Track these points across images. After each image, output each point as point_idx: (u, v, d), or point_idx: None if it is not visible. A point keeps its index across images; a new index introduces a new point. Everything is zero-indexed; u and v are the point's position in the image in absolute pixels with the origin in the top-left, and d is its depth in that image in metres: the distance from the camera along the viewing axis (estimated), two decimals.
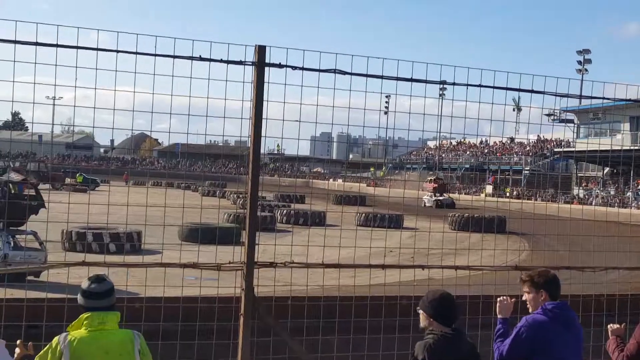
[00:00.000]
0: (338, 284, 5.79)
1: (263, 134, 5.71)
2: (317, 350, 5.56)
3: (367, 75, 6.03)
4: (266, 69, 5.67)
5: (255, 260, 5.54)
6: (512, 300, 5.16)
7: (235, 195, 48.75)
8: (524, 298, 5.08)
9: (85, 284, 4.00)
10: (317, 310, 5.76)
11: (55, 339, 3.87)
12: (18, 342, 4.07)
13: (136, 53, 5.44)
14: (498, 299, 5.18)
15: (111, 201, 5.53)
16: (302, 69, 5.77)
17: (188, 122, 5.95)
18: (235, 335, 5.39)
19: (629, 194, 58.57)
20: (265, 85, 5.67)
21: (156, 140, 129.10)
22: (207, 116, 5.96)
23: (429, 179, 65.73)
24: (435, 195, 57.49)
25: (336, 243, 6.09)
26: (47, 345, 3.86)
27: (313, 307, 5.80)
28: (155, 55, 5.49)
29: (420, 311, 4.51)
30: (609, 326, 5.25)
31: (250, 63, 5.65)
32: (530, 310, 5.00)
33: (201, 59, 5.54)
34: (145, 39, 5.48)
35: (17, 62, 5.35)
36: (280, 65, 5.70)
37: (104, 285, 4.02)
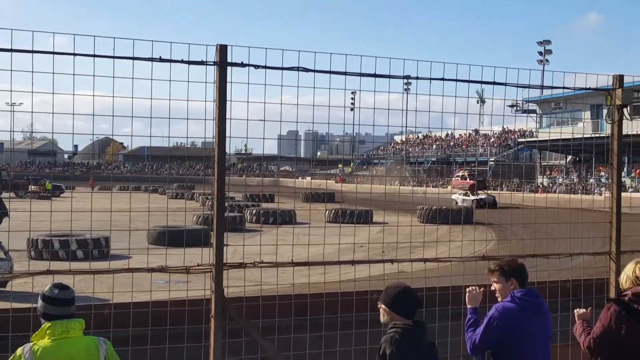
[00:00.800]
0: (308, 281, 5.81)
1: (228, 134, 5.67)
2: (290, 348, 5.56)
3: (330, 72, 6.03)
4: (228, 68, 5.63)
5: (224, 261, 5.52)
6: (481, 289, 5.22)
7: (203, 197, 48.53)
8: (492, 287, 5.15)
9: (48, 291, 3.92)
10: (288, 308, 5.76)
11: (19, 349, 3.80)
12: None
13: (94, 56, 5.35)
14: (467, 289, 5.23)
15: (77, 207, 5.47)
16: (265, 67, 5.75)
17: (150, 124, 5.88)
18: (207, 338, 5.36)
19: (592, 180, 59.55)
20: (229, 85, 5.63)
21: (121, 144, 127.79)
22: (169, 118, 5.90)
23: (460, 174, 59.76)
24: (472, 194, 50.03)
25: (306, 241, 6.10)
26: (11, 357, 3.80)
27: (284, 306, 5.80)
28: (114, 57, 5.42)
29: (382, 306, 4.55)
30: (575, 311, 5.33)
31: (212, 63, 5.60)
32: (499, 299, 5.07)
33: (161, 60, 5.47)
34: (104, 41, 5.41)
35: None
36: (242, 65, 5.67)
37: (69, 292, 3.96)
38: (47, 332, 3.82)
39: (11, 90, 5.51)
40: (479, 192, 50.65)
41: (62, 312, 3.87)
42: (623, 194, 6.54)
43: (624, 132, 6.56)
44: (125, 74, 5.61)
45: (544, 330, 5.03)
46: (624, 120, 6.45)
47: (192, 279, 5.82)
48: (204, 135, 5.89)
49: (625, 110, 6.36)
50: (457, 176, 59.45)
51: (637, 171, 55.87)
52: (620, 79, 6.34)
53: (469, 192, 51.23)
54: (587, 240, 6.89)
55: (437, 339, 5.71)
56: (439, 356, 4.61)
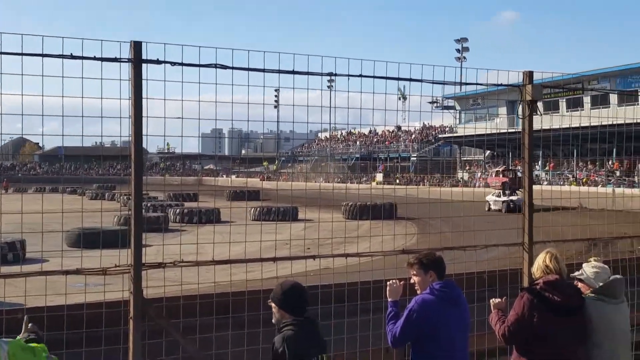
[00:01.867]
0: (230, 279, 5.77)
1: (145, 132, 5.57)
2: (212, 347, 5.52)
3: (248, 69, 6.00)
4: (144, 65, 5.53)
5: (143, 261, 5.43)
6: (401, 283, 5.31)
7: (125, 197, 47.58)
8: (412, 280, 5.24)
9: None
10: (210, 307, 5.72)
11: None
12: None
13: (1, 53, 5.16)
14: (387, 283, 5.31)
15: None
16: (182, 64, 5.67)
17: (62, 123, 5.72)
18: (126, 340, 5.26)
19: None
20: (145, 82, 5.54)
21: (37, 144, 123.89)
22: (82, 117, 5.74)
23: (496, 170, 51.74)
24: (505, 194, 42.76)
25: (231, 239, 6.06)
26: None
27: (206, 305, 5.74)
28: (22, 54, 5.24)
29: (272, 304, 4.57)
30: (491, 300, 5.50)
31: (126, 60, 5.49)
32: (418, 292, 5.16)
33: (73, 57, 5.33)
34: (12, 38, 5.21)
35: None
36: (158, 62, 5.56)
37: None
38: None
39: None
40: (515, 191, 41.89)
41: None
42: (538, 187, 6.77)
43: (540, 127, 6.79)
44: (38, 72, 5.45)
45: (462, 321, 5.16)
46: (538, 115, 6.66)
47: (113, 281, 5.70)
48: (120, 133, 5.77)
49: (536, 105, 6.57)
50: (495, 171, 51.01)
51: (552, 165, 57.94)
52: (530, 75, 6.55)
53: (500, 191, 43.63)
54: (503, 232, 7.10)
55: (358, 332, 5.78)
56: (328, 352, 4.66)
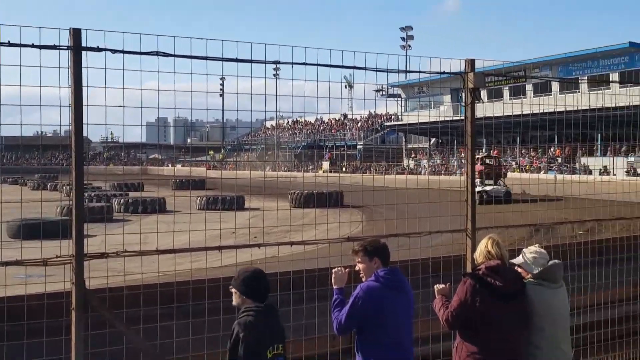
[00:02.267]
0: (174, 269, 5.73)
1: (85, 121, 5.48)
2: (156, 337, 5.47)
3: (190, 57, 5.94)
4: (84, 53, 5.43)
5: (86, 252, 5.35)
6: (347, 270, 5.35)
7: (67, 187, 46.67)
8: (357, 268, 5.28)
9: None
10: (154, 297, 5.66)
11: None
12: None
13: None
14: (333, 270, 5.35)
15: None
16: (123, 52, 5.58)
17: (0, 112, 5.57)
18: (68, 331, 5.18)
19: (454, 162, 62.37)
20: (86, 70, 5.43)
21: None
22: (20, 105, 5.60)
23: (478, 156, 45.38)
24: (483, 184, 38.07)
25: (177, 229, 6.00)
26: None
27: (150, 295, 5.69)
28: None
29: (233, 290, 4.58)
30: (435, 286, 5.59)
31: (66, 47, 5.38)
32: (363, 279, 5.21)
33: (10, 44, 5.20)
34: None
35: None
36: (98, 49, 5.46)
37: None
38: None
39: None
40: (487, 181, 38.90)
41: None
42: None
43: (483, 115, 6.89)
44: None
45: (407, 307, 5.23)
46: (481, 103, 6.76)
47: (55, 272, 5.58)
48: (60, 122, 5.65)
49: (478, 92, 6.66)
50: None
51: (495, 152, 58.97)
52: (472, 63, 6.64)
53: (480, 181, 38.15)
54: (449, 218, 7.21)
55: (304, 320, 5.81)
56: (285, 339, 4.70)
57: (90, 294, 5.27)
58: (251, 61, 6.22)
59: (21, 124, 5.80)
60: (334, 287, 5.27)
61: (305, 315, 5.87)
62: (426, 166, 62.44)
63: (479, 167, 38.28)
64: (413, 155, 72.51)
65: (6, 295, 5.42)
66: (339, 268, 5.35)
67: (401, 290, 5.17)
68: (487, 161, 42.54)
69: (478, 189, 37.51)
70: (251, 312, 4.43)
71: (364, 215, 27.41)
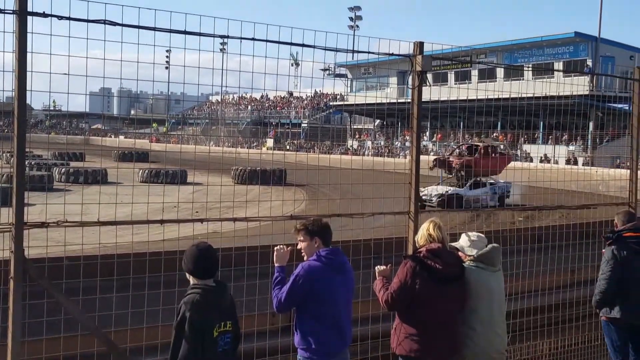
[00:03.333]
0: (115, 242, 5.68)
1: (29, 87, 5.38)
2: (95, 309, 5.44)
3: (138, 27, 5.85)
4: (29, 18, 5.32)
5: (25, 220, 5.26)
6: (288, 248, 5.40)
7: (7, 155, 45.51)
8: (299, 246, 5.34)
9: None
10: (95, 269, 5.62)
11: None
12: None
13: None
14: (275, 248, 5.39)
15: None
16: (69, 19, 5.48)
17: None
18: (6, 300, 5.11)
19: (397, 144, 63.02)
20: (31, 35, 5.33)
21: None
22: None
23: (458, 145, 36.03)
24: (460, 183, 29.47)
25: (118, 201, 5.94)
26: None
27: (90, 267, 5.64)
28: None
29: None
30: (375, 268, 5.69)
31: (11, 12, 5.27)
32: (305, 258, 5.27)
33: None
34: None
35: None
36: (44, 15, 5.36)
37: None
38: None
39: None
40: (458, 180, 30.25)
41: None
42: (426, 157, 7.01)
43: (429, 98, 6.98)
44: None
45: (347, 287, 5.31)
46: (427, 87, 6.84)
47: None
48: (3, 87, 5.55)
49: (425, 76, 6.75)
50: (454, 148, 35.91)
51: (439, 136, 59.65)
52: (420, 46, 6.71)
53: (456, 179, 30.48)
54: (392, 200, 7.31)
55: (245, 297, 5.84)
56: (236, 316, 4.69)
57: (29, 263, 5.20)
58: (200, 34, 6.16)
59: None
60: (275, 265, 5.31)
61: (245, 292, 5.90)
62: (370, 147, 62.88)
63: (456, 159, 29.68)
64: (357, 136, 72.92)
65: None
66: (281, 246, 5.39)
67: (342, 270, 5.24)
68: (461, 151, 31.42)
69: (436, 193, 27.04)
70: (198, 289, 4.40)
71: (307, 194, 27.50)
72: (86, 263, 5.61)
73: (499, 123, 54.71)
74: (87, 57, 5.96)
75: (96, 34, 5.67)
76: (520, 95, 8.91)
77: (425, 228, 5.53)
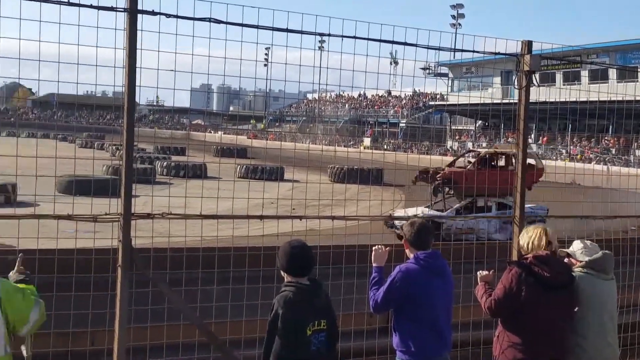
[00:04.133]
0: (217, 235, 5.80)
1: (138, 83, 5.57)
2: (196, 301, 5.57)
3: (242, 25, 5.96)
4: (139, 16, 5.51)
5: (133, 211, 5.45)
6: (387, 249, 5.34)
7: (113, 147, 47.52)
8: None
9: None
10: (196, 261, 5.76)
11: None
12: None
13: None
14: (373, 248, 5.34)
15: None
16: (177, 17, 5.66)
17: (58, 70, 5.67)
18: (113, 287, 5.31)
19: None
20: (140, 33, 5.51)
21: (29, 89, 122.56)
22: (78, 64, 5.70)
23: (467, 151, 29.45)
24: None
25: (217, 195, 6.06)
26: None
27: (192, 259, 5.78)
28: None
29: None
30: (477, 273, 5.53)
31: (122, 10, 5.47)
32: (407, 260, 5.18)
33: (70, 3, 5.29)
34: None
35: None
36: (153, 13, 5.54)
37: None
38: None
39: None
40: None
41: None
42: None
43: (536, 99, 6.74)
44: (36, 17, 5.40)
45: (446, 292, 5.18)
46: (533, 87, 6.62)
47: (101, 229, 5.72)
48: (114, 83, 5.76)
49: (533, 76, 6.53)
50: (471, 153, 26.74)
51: (545, 139, 57.73)
52: (528, 44, 6.50)
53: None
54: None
55: (342, 295, 5.83)
56: (334, 314, 4.62)
57: (135, 252, 5.38)
58: (301, 32, 6.22)
59: (77, 83, 5.90)
60: (373, 265, 5.26)
61: (343, 290, 5.89)
62: (471, 149, 61.59)
63: (447, 170, 21.44)
64: (457, 137, 71.72)
65: (57, 248, 5.57)
66: (379, 246, 5.33)
67: (441, 274, 5.12)
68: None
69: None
70: (291, 287, 4.39)
71: (404, 194, 27.26)
72: (189, 255, 5.75)
73: (611, 126, 52.44)
74: (192, 55, 6.11)
75: (199, 32, 5.83)
76: (635, 98, 8.50)
77: (534, 234, 5.31)
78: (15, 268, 4.24)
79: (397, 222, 16.15)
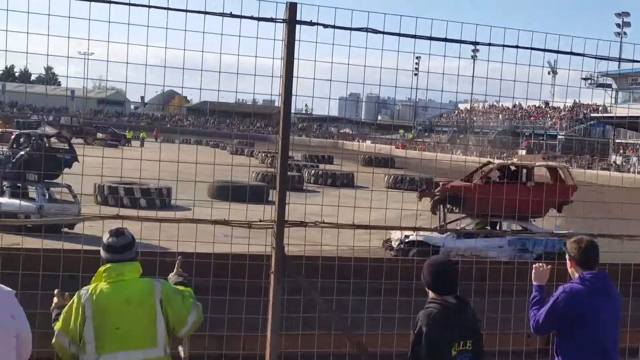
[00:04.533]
0: (369, 245, 5.75)
1: (294, 92, 5.67)
2: (348, 310, 5.53)
3: (399, 35, 5.93)
4: (297, 26, 5.60)
5: (286, 219, 5.50)
6: (548, 267, 5.05)
7: (263, 154, 48.99)
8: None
9: (105, 238, 3.97)
10: (347, 270, 5.72)
11: (78, 292, 3.87)
12: (56, 291, 4.07)
13: (167, 9, 5.40)
14: (533, 266, 5.07)
15: (143, 157, 5.54)
16: (334, 27, 5.73)
17: (219, 79, 5.87)
18: (266, 293, 5.38)
19: None
20: (296, 43, 5.61)
21: (185, 97, 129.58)
22: (237, 74, 5.94)
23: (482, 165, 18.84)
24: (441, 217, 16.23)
25: (365, 204, 6.02)
26: (71, 300, 3.87)
27: (343, 268, 5.76)
28: (187, 11, 5.48)
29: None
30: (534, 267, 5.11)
31: (282, 20, 5.60)
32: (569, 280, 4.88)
33: (232, 15, 5.50)
34: None
35: (51, 15, 5.37)
36: (311, 23, 5.64)
37: (123, 239, 3.96)
38: (104, 275, 3.87)
39: (88, 39, 5.59)
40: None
41: (118, 257, 3.91)
42: None
43: None
44: (195, 28, 5.64)
45: (613, 314, 4.84)
46: None
47: (252, 235, 5.83)
48: (271, 92, 5.89)
49: None
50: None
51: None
52: None
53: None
54: None
55: (499, 314, 5.58)
56: (480, 334, 4.38)
57: (288, 260, 5.42)
58: (460, 41, 6.11)
59: (236, 91, 6.10)
60: (534, 283, 4.99)
61: (501, 308, 5.64)
62: (636, 164, 58.01)
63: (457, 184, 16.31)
64: (621, 151, 67.77)
65: (213, 252, 5.72)
66: (540, 264, 5.06)
67: (607, 295, 4.79)
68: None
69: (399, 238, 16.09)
70: (436, 304, 4.22)
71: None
72: (341, 264, 5.73)
73: None
74: (348, 64, 6.16)
75: (355, 41, 5.83)
76: None
77: None
78: (175, 270, 4.38)
79: (393, 244, 15.17)
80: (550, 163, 21.06)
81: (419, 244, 14.27)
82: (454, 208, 16.60)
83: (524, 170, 17.22)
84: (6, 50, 5.78)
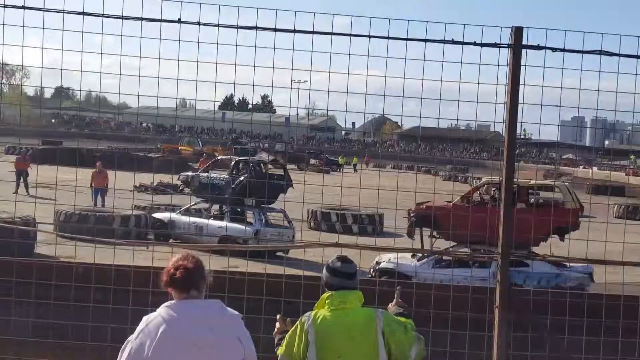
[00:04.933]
0: (604, 281, 5.35)
1: (519, 119, 5.53)
2: (581, 351, 5.15)
3: (637, 57, 5.56)
4: (523, 51, 5.45)
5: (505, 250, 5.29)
6: None
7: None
8: None
9: (333, 262, 4.00)
10: (580, 308, 5.34)
11: (302, 317, 3.94)
12: (278, 316, 4.19)
13: (388, 38, 5.49)
14: None
15: (352, 183, 5.62)
16: (564, 50, 5.51)
17: (421, 105, 5.87)
18: (490, 328, 5.17)
19: None
20: (524, 68, 5.50)
21: (396, 123, 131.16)
22: (459, 101, 5.89)
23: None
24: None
25: (593, 236, 5.62)
26: (295, 324, 3.95)
27: (574, 304, 5.39)
28: (407, 39, 5.52)
29: None
30: None
31: (506, 45, 5.48)
32: None
33: (454, 42, 5.49)
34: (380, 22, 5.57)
35: (257, 47, 5.83)
36: (539, 47, 5.48)
37: (350, 267, 3.99)
38: (327, 302, 3.91)
39: (298, 69, 5.84)
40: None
41: (342, 283, 3.92)
42: None
43: None
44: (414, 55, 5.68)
45: None
46: None
47: None
48: (494, 118, 5.76)
49: None
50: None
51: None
52: None
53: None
54: None
55: None
56: None
57: (515, 293, 5.20)
58: None
59: (457, 119, 6.06)
60: None
61: None
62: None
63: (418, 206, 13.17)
64: None
65: (434, 283, 5.65)
66: None
67: None
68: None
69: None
70: None
71: None
72: (571, 301, 5.37)
73: None
74: (579, 89, 5.94)
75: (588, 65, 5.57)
76: None
77: None
78: (394, 301, 4.34)
79: (382, 265, 13.21)
80: (547, 182, 18.83)
81: (387, 273, 12.41)
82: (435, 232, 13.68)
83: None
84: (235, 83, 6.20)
